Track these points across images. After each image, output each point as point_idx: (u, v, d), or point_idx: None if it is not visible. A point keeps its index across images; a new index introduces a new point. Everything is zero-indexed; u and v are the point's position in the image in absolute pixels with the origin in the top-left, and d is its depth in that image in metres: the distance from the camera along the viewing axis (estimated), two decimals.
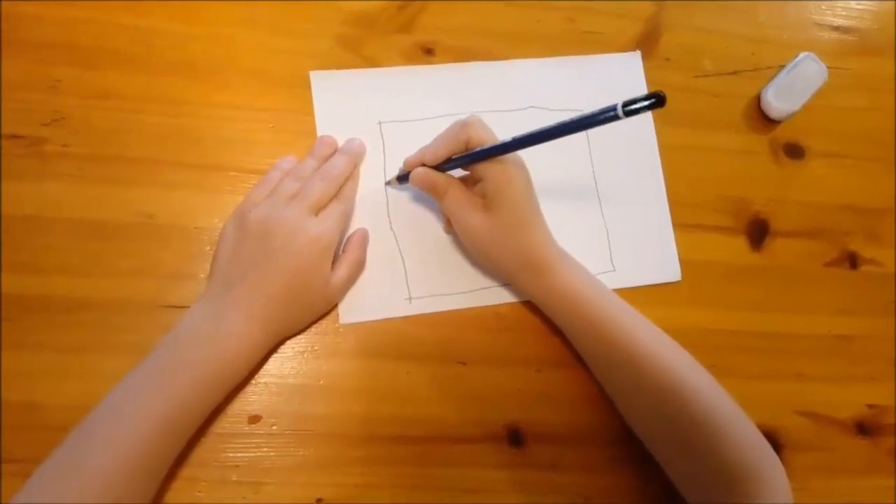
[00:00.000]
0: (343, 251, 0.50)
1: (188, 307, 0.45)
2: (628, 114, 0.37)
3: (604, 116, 0.38)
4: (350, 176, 0.51)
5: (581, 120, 0.40)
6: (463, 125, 0.46)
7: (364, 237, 0.51)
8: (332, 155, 0.51)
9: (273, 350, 0.48)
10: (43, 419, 0.45)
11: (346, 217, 0.50)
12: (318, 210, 0.47)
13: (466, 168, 0.49)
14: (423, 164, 0.49)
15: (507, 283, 0.53)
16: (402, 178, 0.51)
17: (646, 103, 0.36)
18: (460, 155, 0.47)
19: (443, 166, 0.48)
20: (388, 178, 0.53)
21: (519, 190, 0.47)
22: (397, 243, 0.52)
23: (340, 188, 0.49)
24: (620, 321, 0.47)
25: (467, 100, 0.56)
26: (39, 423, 0.45)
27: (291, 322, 0.48)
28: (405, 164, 0.50)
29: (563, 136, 0.41)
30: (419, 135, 0.54)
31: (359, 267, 0.50)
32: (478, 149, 0.46)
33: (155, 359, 0.42)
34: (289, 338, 0.49)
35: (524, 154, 0.46)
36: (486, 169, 0.46)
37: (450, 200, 0.48)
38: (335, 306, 0.50)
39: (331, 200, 0.48)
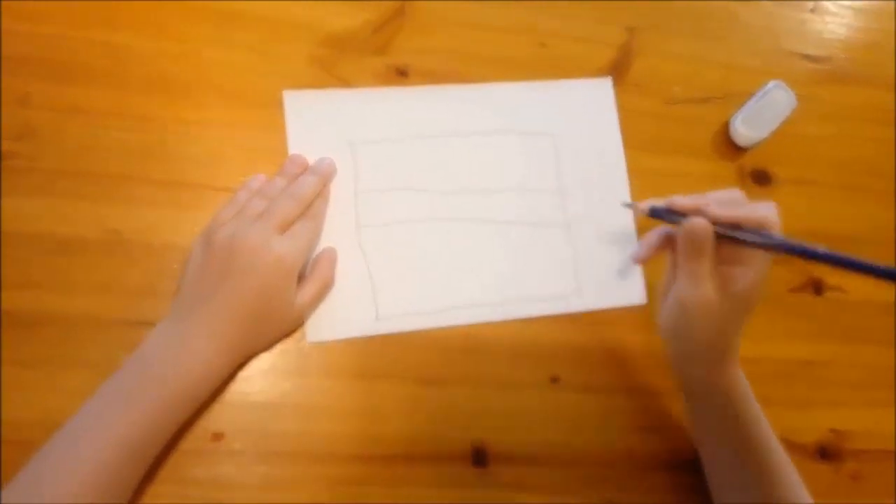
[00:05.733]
0: (310, 270, 0.50)
1: (153, 324, 0.45)
2: None
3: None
4: (319, 195, 0.51)
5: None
6: (769, 206, 0.44)
7: (332, 256, 0.51)
8: (302, 174, 0.51)
9: (238, 368, 0.48)
10: (5, 434, 0.44)
11: (314, 236, 0.50)
12: (284, 229, 0.47)
13: (734, 244, 0.43)
14: (701, 214, 0.43)
15: (683, 367, 0.50)
16: (659, 211, 0.45)
17: None
18: (758, 231, 0.43)
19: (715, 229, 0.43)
20: (627, 201, 0.48)
21: (762, 291, 0.45)
22: (366, 262, 0.52)
23: (309, 207, 0.49)
24: (767, 434, 0.48)
25: (439, 122, 0.56)
26: (1, 439, 0.44)
27: (256, 342, 0.48)
28: (673, 201, 0.45)
29: (875, 276, 0.40)
30: (391, 155, 0.55)
31: (326, 286, 0.50)
32: (782, 238, 0.43)
33: (118, 380, 0.42)
34: (254, 357, 0.49)
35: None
36: (760, 260, 0.44)
37: (704, 266, 0.43)
38: (302, 325, 0.50)
39: (298, 219, 0.48)
